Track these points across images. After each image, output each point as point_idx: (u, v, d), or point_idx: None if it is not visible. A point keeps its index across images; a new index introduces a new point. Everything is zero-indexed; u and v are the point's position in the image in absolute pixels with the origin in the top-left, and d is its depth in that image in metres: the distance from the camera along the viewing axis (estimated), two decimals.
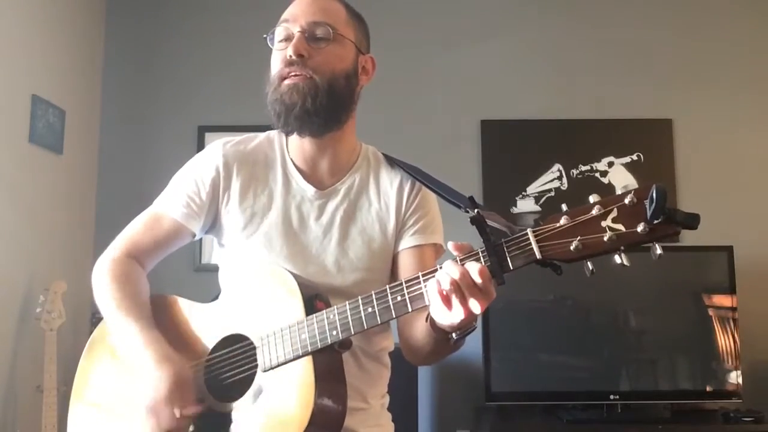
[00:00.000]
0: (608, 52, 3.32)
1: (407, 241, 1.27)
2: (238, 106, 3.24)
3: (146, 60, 3.42)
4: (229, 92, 3.30)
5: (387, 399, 1.35)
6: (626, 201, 0.89)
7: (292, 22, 1.22)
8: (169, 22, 3.43)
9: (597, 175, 3.24)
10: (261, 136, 1.34)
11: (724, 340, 2.85)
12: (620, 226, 0.89)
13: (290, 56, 1.20)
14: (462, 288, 0.95)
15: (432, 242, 1.29)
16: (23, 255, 2.72)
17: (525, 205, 3.23)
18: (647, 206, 0.87)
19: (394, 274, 1.29)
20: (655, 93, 3.29)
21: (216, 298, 1.35)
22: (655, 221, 0.87)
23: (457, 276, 0.94)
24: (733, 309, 2.85)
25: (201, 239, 1.36)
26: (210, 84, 3.35)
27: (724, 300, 2.87)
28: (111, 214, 3.16)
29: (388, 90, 3.24)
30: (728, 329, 2.85)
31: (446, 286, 0.95)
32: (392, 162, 1.33)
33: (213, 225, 1.31)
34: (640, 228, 0.88)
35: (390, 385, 1.37)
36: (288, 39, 1.22)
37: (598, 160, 3.25)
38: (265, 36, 1.26)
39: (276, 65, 1.23)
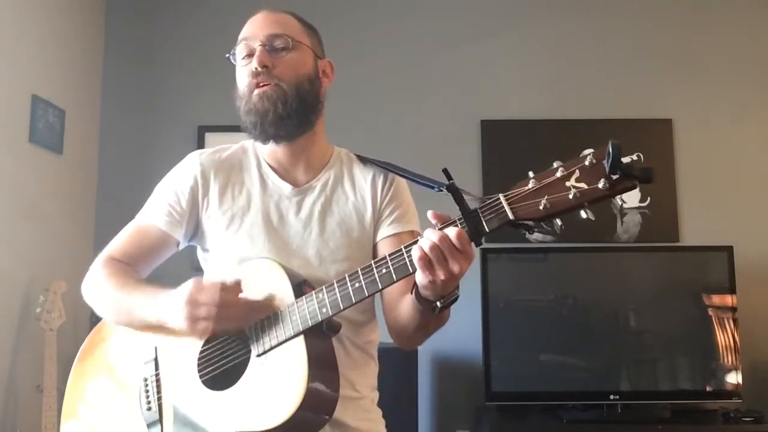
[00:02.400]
0: (608, 52, 3.33)
1: (385, 230, 1.33)
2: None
3: (146, 60, 3.42)
4: (229, 92, 3.24)
5: (377, 395, 1.36)
6: (587, 162, 0.97)
7: (251, 38, 1.30)
8: (169, 23, 3.43)
9: None
10: (234, 146, 1.40)
11: (724, 340, 2.85)
12: (583, 185, 0.97)
13: (255, 68, 1.26)
14: (442, 250, 1.01)
15: (409, 230, 1.34)
16: (23, 255, 2.72)
17: None
18: (606, 164, 0.94)
19: None
20: (655, 93, 3.29)
21: None
22: (614, 176, 0.94)
23: (436, 239, 1.01)
24: (733, 309, 2.86)
25: (198, 249, 1.38)
26: (210, 84, 3.33)
27: (724, 300, 2.87)
28: (111, 214, 3.15)
29: (388, 90, 3.24)
30: (728, 329, 2.85)
31: (426, 248, 1.01)
32: (364, 160, 1.39)
33: (195, 232, 1.35)
34: (601, 184, 0.95)
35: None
36: (250, 55, 1.29)
37: None
38: (228, 55, 1.33)
39: (243, 80, 1.30)
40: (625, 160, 0.94)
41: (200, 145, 3.27)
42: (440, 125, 3.29)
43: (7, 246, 2.62)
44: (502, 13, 3.38)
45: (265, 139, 1.30)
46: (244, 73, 1.30)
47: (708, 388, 2.86)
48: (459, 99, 3.31)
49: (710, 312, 2.88)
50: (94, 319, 2.67)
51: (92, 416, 1.30)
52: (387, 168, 1.35)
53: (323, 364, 1.13)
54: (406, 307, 1.18)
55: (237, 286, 1.15)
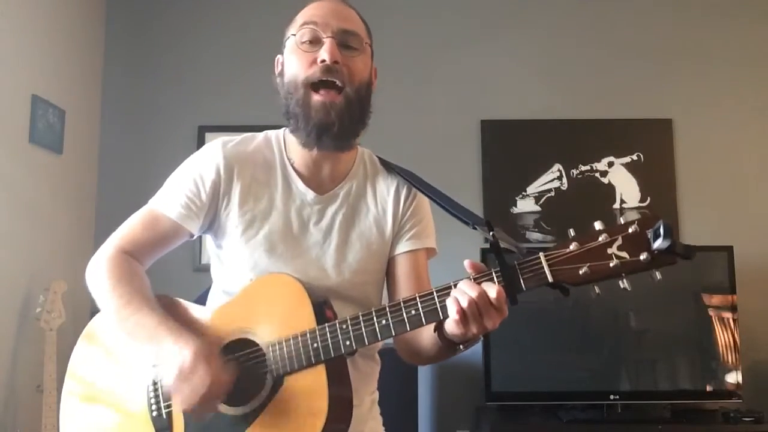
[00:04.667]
0: (608, 52, 3.33)
1: (403, 246, 1.30)
2: (238, 106, 3.24)
3: (146, 60, 3.42)
4: (229, 92, 3.31)
5: (377, 394, 1.36)
6: (630, 230, 0.98)
7: (322, 26, 1.21)
8: (169, 23, 3.43)
9: (597, 175, 3.24)
10: (259, 137, 1.33)
11: (724, 340, 2.85)
12: (625, 254, 0.98)
13: (323, 61, 1.18)
14: (479, 307, 1.01)
15: (426, 247, 1.32)
16: (23, 255, 2.72)
17: (525, 205, 3.23)
18: (651, 237, 0.96)
19: (389, 276, 1.31)
20: (655, 93, 3.29)
21: (204, 293, 1.35)
22: (657, 252, 0.96)
23: (475, 296, 1.00)
24: (733, 309, 2.85)
25: (201, 239, 1.35)
26: (210, 84, 3.35)
27: (724, 300, 2.87)
28: (111, 214, 3.13)
29: (389, 90, 3.22)
30: (728, 329, 2.85)
31: (465, 304, 1.01)
32: (388, 167, 1.34)
33: (211, 226, 1.30)
34: (642, 257, 0.97)
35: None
36: (314, 42, 1.21)
37: (598, 160, 3.25)
38: (293, 34, 1.23)
39: (300, 66, 1.21)
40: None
41: (200, 145, 3.26)
42: (440, 125, 3.29)
43: (7, 246, 2.62)
44: (502, 13, 3.38)
45: (311, 146, 1.23)
46: (302, 59, 1.21)
47: (708, 388, 2.86)
48: (459, 99, 3.31)
49: (710, 312, 2.87)
50: None
51: (95, 403, 1.27)
52: (417, 187, 1.30)
53: (340, 387, 1.13)
54: (426, 338, 1.16)
55: (229, 379, 1.11)
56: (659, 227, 0.94)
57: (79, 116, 3.15)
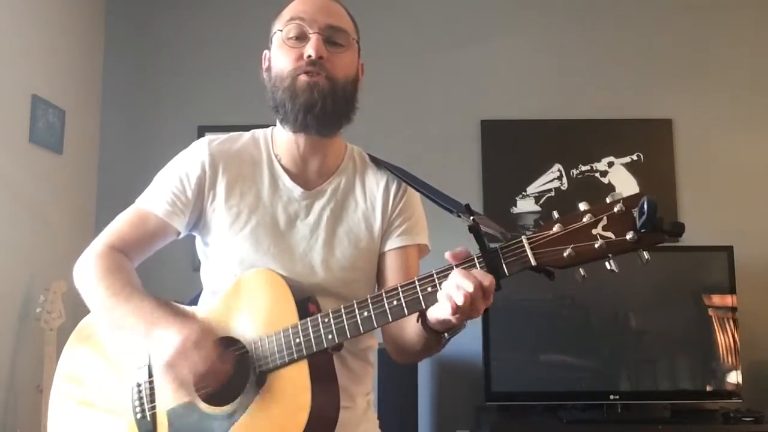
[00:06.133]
0: (608, 52, 3.33)
1: (393, 242, 1.28)
2: (238, 106, 3.24)
3: (146, 60, 3.42)
4: (229, 92, 3.31)
5: (372, 396, 1.34)
6: (615, 210, 0.94)
7: (308, 22, 1.21)
8: (169, 22, 3.43)
9: (597, 175, 3.24)
10: (245, 135, 1.33)
11: (724, 340, 2.85)
12: (610, 234, 0.94)
13: (310, 56, 1.19)
14: (473, 299, 0.97)
15: (417, 243, 1.30)
16: (23, 255, 2.72)
17: (525, 205, 3.23)
18: (636, 216, 0.92)
19: (380, 273, 1.30)
20: (655, 93, 3.29)
21: (197, 296, 1.34)
22: (643, 230, 0.91)
23: (471, 290, 0.96)
24: (733, 309, 2.86)
25: (198, 238, 1.35)
26: (210, 84, 3.35)
27: (724, 300, 2.87)
28: (111, 214, 3.14)
29: (389, 90, 3.24)
30: (728, 329, 2.85)
31: (460, 301, 0.98)
32: (378, 163, 1.33)
33: (197, 223, 1.29)
34: (629, 236, 0.93)
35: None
36: (301, 38, 1.21)
37: (598, 160, 3.25)
38: (280, 30, 1.24)
39: (287, 61, 1.22)
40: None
41: None
42: (440, 125, 3.29)
43: (7, 246, 2.62)
44: (502, 13, 3.38)
45: (298, 129, 1.23)
46: (289, 54, 1.21)
47: (708, 388, 2.86)
48: (459, 99, 3.31)
49: (710, 312, 2.87)
50: None
51: (81, 404, 1.27)
52: (404, 180, 1.29)
53: (325, 383, 1.12)
54: (411, 330, 1.15)
55: (227, 369, 1.12)
56: (643, 204, 0.91)
57: (79, 116, 3.15)
